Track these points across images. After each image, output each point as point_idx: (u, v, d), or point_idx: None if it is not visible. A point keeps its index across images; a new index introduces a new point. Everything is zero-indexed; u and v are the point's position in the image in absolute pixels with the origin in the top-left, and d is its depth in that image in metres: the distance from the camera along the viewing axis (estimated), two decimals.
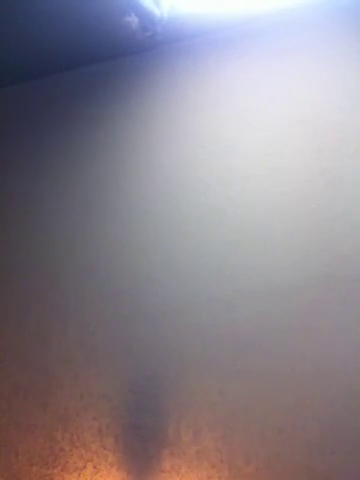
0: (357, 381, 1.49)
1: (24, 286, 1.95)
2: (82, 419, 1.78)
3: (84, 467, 1.75)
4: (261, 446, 1.56)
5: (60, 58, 1.99)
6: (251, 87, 1.77)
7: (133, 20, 1.74)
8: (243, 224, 1.70)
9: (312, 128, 1.68)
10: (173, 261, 1.76)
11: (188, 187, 1.79)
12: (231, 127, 1.77)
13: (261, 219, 1.68)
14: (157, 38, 1.81)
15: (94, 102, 1.99)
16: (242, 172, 1.73)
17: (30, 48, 1.92)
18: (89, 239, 1.90)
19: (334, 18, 1.72)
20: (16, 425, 1.86)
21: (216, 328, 1.66)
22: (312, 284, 1.58)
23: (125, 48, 1.92)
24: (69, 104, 2.04)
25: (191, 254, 1.74)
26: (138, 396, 1.72)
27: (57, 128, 2.04)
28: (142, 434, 1.69)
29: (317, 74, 1.71)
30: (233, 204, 1.73)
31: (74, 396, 1.80)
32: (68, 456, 1.77)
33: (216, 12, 1.75)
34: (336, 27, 1.71)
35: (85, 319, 1.84)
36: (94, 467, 1.73)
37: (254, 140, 1.74)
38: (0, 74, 2.07)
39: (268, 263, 1.64)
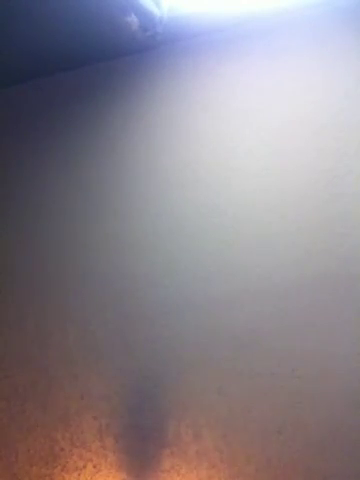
0: (357, 381, 1.50)
1: (24, 286, 1.95)
2: (82, 419, 1.78)
3: (84, 467, 1.75)
4: (261, 446, 1.56)
5: (60, 58, 1.98)
6: (251, 87, 1.77)
7: (133, 20, 1.74)
8: (243, 224, 1.70)
9: (312, 128, 1.68)
10: (173, 261, 1.76)
11: (188, 187, 1.79)
12: (231, 127, 1.77)
13: (261, 219, 1.68)
14: (157, 38, 1.81)
15: (94, 102, 1.99)
16: (242, 172, 1.73)
17: (30, 48, 1.92)
18: (89, 239, 1.90)
19: (334, 18, 1.72)
20: (16, 425, 1.86)
21: (216, 328, 1.66)
22: (312, 284, 1.59)
23: (125, 48, 1.91)
24: (69, 104, 2.04)
25: (191, 254, 1.74)
26: (138, 396, 1.72)
27: (57, 128, 2.04)
28: (142, 434, 1.69)
29: (317, 74, 1.71)
30: (233, 204, 1.73)
31: (74, 396, 1.80)
32: (68, 456, 1.77)
33: (216, 12, 1.75)
34: (336, 27, 1.71)
35: (85, 319, 1.84)
36: (94, 467, 1.74)
37: (254, 140, 1.74)
38: (0, 74, 2.07)
39: (268, 263, 1.64)
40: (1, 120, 2.16)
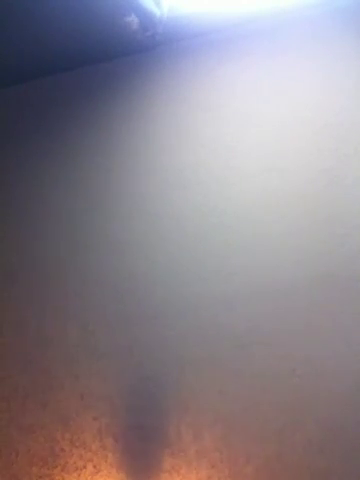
0: (357, 381, 1.49)
1: (24, 286, 1.95)
2: (82, 419, 1.78)
3: (84, 467, 1.75)
4: (261, 446, 1.56)
5: (60, 58, 1.98)
6: (251, 87, 1.77)
7: (133, 20, 1.74)
8: (243, 224, 1.70)
9: (312, 128, 1.68)
10: (173, 261, 1.76)
11: (188, 187, 1.79)
12: (231, 127, 1.78)
13: (261, 219, 1.68)
14: (157, 38, 1.81)
15: (94, 102, 1.99)
16: (242, 172, 1.73)
17: (30, 48, 1.92)
18: (89, 239, 1.90)
19: (334, 18, 1.72)
20: (16, 425, 1.86)
21: (216, 328, 1.66)
22: (312, 284, 1.58)
23: (125, 48, 1.91)
24: (69, 104, 2.04)
25: (191, 254, 1.74)
26: (138, 396, 1.72)
27: (57, 128, 2.04)
28: (142, 434, 1.69)
29: (317, 74, 1.71)
30: (233, 204, 1.73)
31: (74, 396, 1.80)
32: (68, 456, 1.77)
33: (216, 12, 1.75)
34: (336, 27, 1.71)
35: (85, 319, 1.84)
36: (94, 467, 1.73)
37: (254, 140, 1.74)
38: (0, 74, 2.07)
39: (268, 263, 1.64)
40: (1, 120, 2.16)
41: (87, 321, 1.83)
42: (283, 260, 1.63)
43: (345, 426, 1.49)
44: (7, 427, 1.87)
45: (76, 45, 1.91)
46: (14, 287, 1.97)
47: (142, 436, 1.69)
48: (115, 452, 1.72)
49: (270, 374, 1.58)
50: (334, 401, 1.51)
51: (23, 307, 1.94)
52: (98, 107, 1.98)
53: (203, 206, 1.76)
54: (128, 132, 1.92)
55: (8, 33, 1.82)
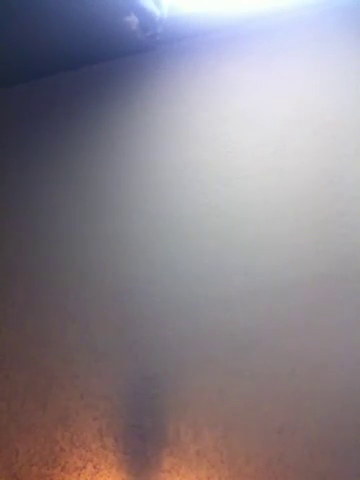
0: (357, 381, 1.49)
1: (24, 286, 1.95)
2: (82, 419, 1.78)
3: (84, 467, 1.75)
4: (261, 446, 1.56)
5: (60, 58, 1.99)
6: (251, 87, 1.77)
7: (133, 20, 1.74)
8: (243, 224, 1.70)
9: (312, 128, 1.68)
10: (173, 261, 1.76)
11: (188, 187, 1.79)
12: (231, 127, 1.78)
13: (261, 219, 1.68)
14: (157, 38, 1.81)
15: (94, 102, 1.99)
16: (242, 172, 1.73)
17: (30, 48, 1.92)
18: (89, 239, 1.90)
19: (334, 18, 1.72)
20: (16, 425, 1.86)
21: (216, 328, 1.66)
22: (312, 284, 1.58)
23: (125, 48, 1.92)
24: (69, 104, 2.04)
25: (191, 254, 1.74)
26: (138, 396, 1.72)
27: (57, 128, 2.04)
28: (142, 434, 1.69)
29: (317, 74, 1.71)
30: (233, 204, 1.73)
31: (74, 396, 1.80)
32: (68, 456, 1.77)
33: (216, 12, 1.75)
34: (336, 27, 1.71)
35: (85, 319, 1.84)
36: (94, 467, 1.73)
37: (254, 140, 1.74)
38: (0, 74, 2.07)
39: (268, 263, 1.64)
40: (1, 120, 2.16)
41: (87, 321, 1.83)
42: (283, 260, 1.63)
43: (345, 426, 1.49)
44: (7, 427, 1.87)
45: (76, 45, 1.91)
46: (14, 287, 1.97)
47: (142, 436, 1.69)
48: (115, 452, 1.72)
49: (270, 374, 1.58)
50: (334, 401, 1.51)
51: (23, 307, 1.94)
52: (98, 107, 1.98)
53: (203, 206, 1.76)
54: (128, 132, 1.92)
55: (9, 33, 1.82)
